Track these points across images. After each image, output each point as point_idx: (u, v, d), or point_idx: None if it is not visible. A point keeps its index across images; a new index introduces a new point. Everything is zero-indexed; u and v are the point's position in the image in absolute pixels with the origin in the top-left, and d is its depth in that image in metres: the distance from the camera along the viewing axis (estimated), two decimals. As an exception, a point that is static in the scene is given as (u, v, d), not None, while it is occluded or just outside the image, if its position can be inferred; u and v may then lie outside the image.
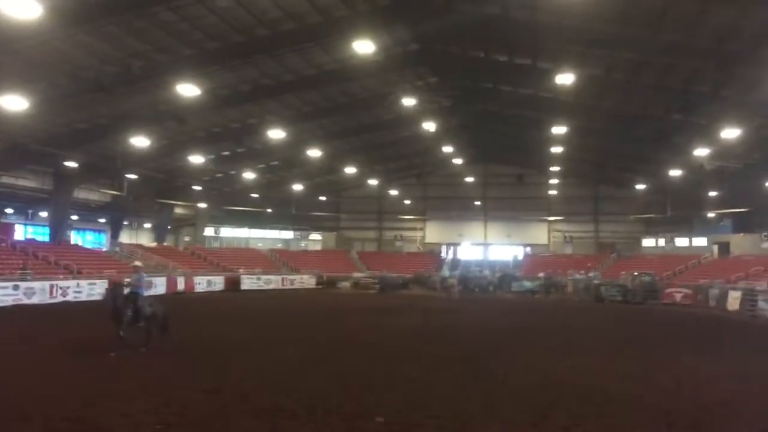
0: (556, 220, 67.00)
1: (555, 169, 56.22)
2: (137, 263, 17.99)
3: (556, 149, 46.10)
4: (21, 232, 53.55)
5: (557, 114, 37.71)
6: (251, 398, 10.97)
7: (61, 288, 34.05)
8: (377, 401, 10.82)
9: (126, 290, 16.64)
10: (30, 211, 52.07)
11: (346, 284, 53.33)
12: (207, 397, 11.07)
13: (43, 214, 51.10)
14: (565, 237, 66.88)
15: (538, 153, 51.90)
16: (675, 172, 44.42)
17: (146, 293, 17.34)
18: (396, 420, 9.58)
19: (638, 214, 60.61)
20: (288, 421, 9.47)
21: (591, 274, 51.18)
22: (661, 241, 60.53)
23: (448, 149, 51.40)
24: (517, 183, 63.59)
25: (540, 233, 67.76)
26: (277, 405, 10.47)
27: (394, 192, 65.84)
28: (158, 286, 41.35)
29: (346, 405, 10.56)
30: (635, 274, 45.37)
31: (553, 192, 63.63)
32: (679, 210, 56.17)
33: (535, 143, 48.84)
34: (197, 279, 46.17)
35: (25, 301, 31.34)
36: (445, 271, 48.31)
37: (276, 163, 53.16)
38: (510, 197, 65.29)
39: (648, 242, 62.35)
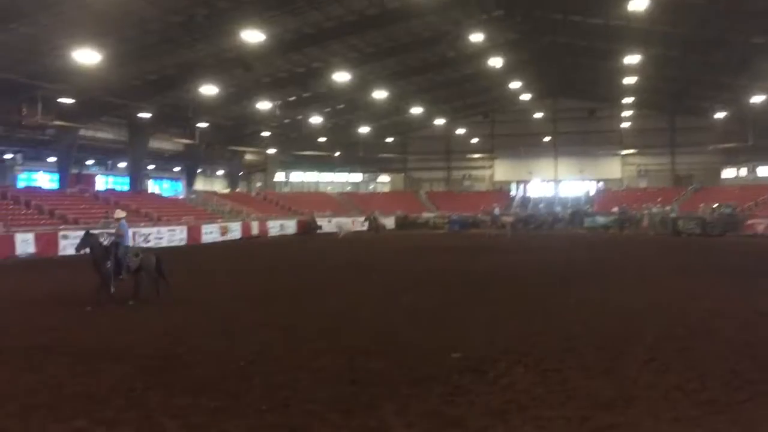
0: (629, 154, 64.98)
1: (628, 100, 54.22)
2: (120, 212, 16.65)
3: (629, 80, 44.38)
4: (102, 183, 55.73)
5: (630, 43, 36.17)
6: (327, 336, 11.29)
7: (142, 235, 35.43)
8: (452, 338, 10.96)
9: (107, 241, 15.65)
10: (109, 162, 53.90)
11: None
12: (284, 335, 11.46)
13: (122, 164, 52.84)
14: (640, 170, 64.93)
15: (610, 85, 50.16)
16: (757, 99, 42.23)
17: (129, 243, 16.19)
18: (472, 355, 9.72)
19: (717, 144, 58.04)
20: (364, 358, 9.72)
21: (667, 208, 49.75)
22: (743, 171, 58.04)
23: (515, 85, 50.26)
24: (588, 117, 61.66)
25: (613, 168, 65.96)
26: (352, 343, 10.76)
27: (461, 131, 65.06)
28: (233, 231, 42.59)
29: (421, 342, 10.75)
30: (714, 206, 43.84)
31: (626, 124, 61.59)
32: (761, 138, 53.45)
33: (607, 75, 47.17)
34: (270, 223, 47.22)
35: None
36: (496, 210, 47.72)
37: (342, 106, 53.18)
38: (581, 132, 63.55)
39: (728, 173, 59.93)
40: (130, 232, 33.57)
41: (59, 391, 8.13)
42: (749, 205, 46.28)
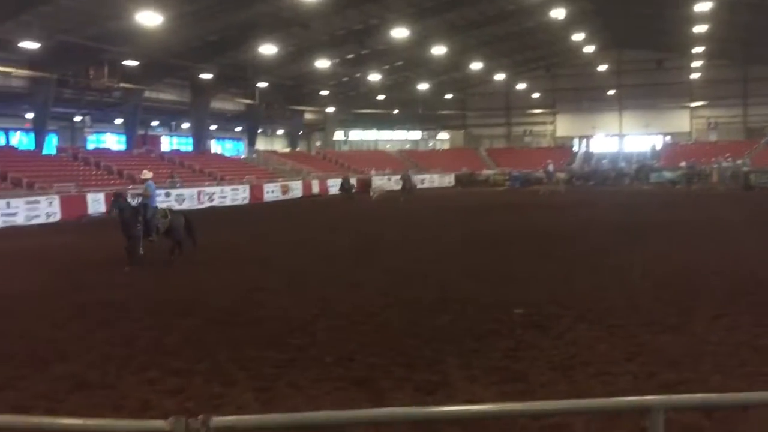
0: (699, 106, 62.50)
1: (698, 50, 51.90)
2: (146, 173, 16.43)
3: (700, 28, 42.43)
4: (166, 144, 57.08)
5: (701, -11, 34.53)
6: (390, 292, 11.40)
7: (207, 194, 36.28)
8: (515, 294, 10.92)
9: (135, 202, 15.54)
10: (173, 123, 55.07)
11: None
12: (349, 291, 11.63)
13: (185, 125, 53.95)
14: (710, 123, 62.44)
15: (678, 34, 48.07)
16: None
17: (157, 204, 15.70)
18: (535, 311, 9.66)
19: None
20: (427, 313, 9.79)
21: (739, 162, 47.91)
22: (821, 123, 55.33)
23: (578, 37, 48.70)
24: (655, 68, 59.34)
25: (681, 121, 63.66)
26: (416, 297, 10.84)
27: (521, 86, 63.67)
28: (294, 190, 43.13)
29: (484, 297, 10.75)
30: (789, 159, 42.05)
31: (695, 75, 59.07)
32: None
33: (676, 23, 45.20)
34: (330, 182, 47.60)
35: (177, 207, 33.66)
36: (550, 167, 46.50)
37: (400, 63, 52.69)
38: (647, 84, 61.32)
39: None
40: (195, 191, 34.45)
41: (133, 344, 8.47)
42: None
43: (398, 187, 43.36)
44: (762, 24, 43.98)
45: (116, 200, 15.04)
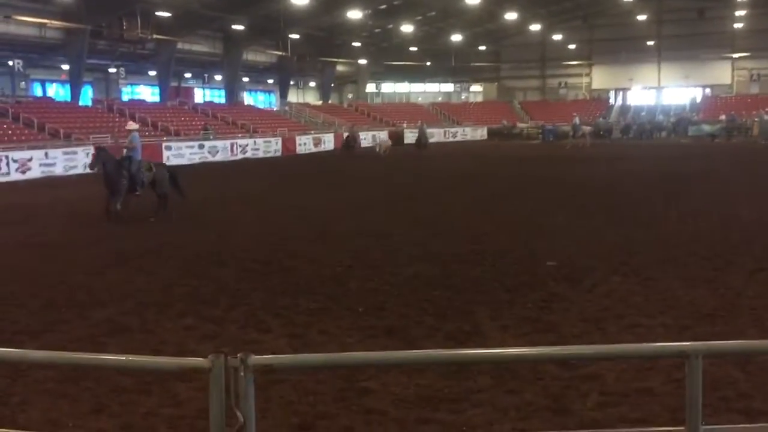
0: (741, 57, 60.38)
1: (743, -2, 50.00)
2: (132, 124, 15.88)
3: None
4: (199, 96, 57.23)
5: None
6: (420, 243, 11.42)
7: (240, 146, 36.44)
8: (547, 247, 10.87)
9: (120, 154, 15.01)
10: (205, 75, 55.02)
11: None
12: (379, 242, 11.69)
13: (218, 77, 53.94)
14: (752, 75, 60.36)
15: (722, -19, 46.35)
16: None
17: (140, 157, 15.08)
18: (567, 264, 9.62)
19: None
20: (458, 265, 9.80)
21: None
22: None
23: (618, -16, 47.27)
24: (696, 18, 57.30)
25: (722, 73, 61.69)
26: (446, 250, 10.84)
27: (557, 37, 62.13)
28: (326, 142, 43.12)
29: (516, 250, 10.73)
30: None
31: (738, 25, 56.96)
32: None
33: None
34: (362, 134, 47.36)
35: (210, 159, 33.98)
36: (577, 120, 45.25)
37: (433, 14, 51.78)
38: (688, 34, 59.26)
39: None
40: (228, 143, 34.54)
41: (170, 292, 8.64)
42: None
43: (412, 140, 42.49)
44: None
45: (99, 153, 14.67)
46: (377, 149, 36.39)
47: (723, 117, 48.04)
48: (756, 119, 45.57)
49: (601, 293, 8.19)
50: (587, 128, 43.72)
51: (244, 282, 9.05)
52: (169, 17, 37.94)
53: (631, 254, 10.17)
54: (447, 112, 61.59)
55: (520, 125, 57.44)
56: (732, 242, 10.88)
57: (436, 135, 51.37)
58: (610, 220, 13.39)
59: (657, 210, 14.55)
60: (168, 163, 30.92)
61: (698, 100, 60.30)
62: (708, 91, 61.43)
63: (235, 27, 42.21)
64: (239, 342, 6.63)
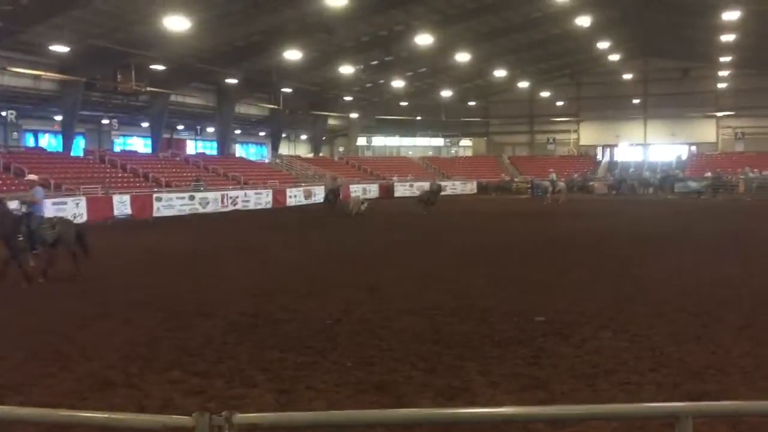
0: (725, 116, 61.62)
1: (725, 59, 51.26)
2: (31, 176, 14.47)
3: (727, 37, 41.94)
4: (192, 147, 57.59)
5: (729, -3, 34.12)
6: (410, 297, 11.40)
7: (231, 198, 36.54)
8: (535, 302, 10.86)
9: (21, 209, 13.82)
10: (198, 127, 55.52)
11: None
12: (368, 295, 11.65)
13: (210, 129, 54.41)
14: (737, 133, 61.50)
15: (705, 43, 47.59)
16: None
17: (45, 213, 13.95)
18: (557, 319, 9.60)
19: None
20: (447, 319, 9.77)
21: (766, 172, 47.22)
22: None
23: (603, 44, 48.40)
24: (681, 77, 58.71)
25: (707, 131, 62.83)
26: (435, 304, 10.82)
27: (545, 93, 63.40)
28: (317, 194, 43.32)
29: (505, 304, 10.70)
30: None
31: (722, 85, 58.33)
32: None
33: (703, 32, 44.74)
34: (352, 187, 47.67)
35: (201, 210, 34.01)
36: (553, 176, 45.68)
37: (424, 70, 52.65)
38: (673, 93, 60.59)
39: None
40: (219, 194, 34.46)
41: (156, 344, 8.55)
42: None
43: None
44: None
45: None
46: (350, 207, 31.67)
47: (709, 174, 48.73)
48: (741, 176, 46.26)
49: (591, 349, 8.17)
50: (562, 184, 44.30)
51: (232, 335, 8.97)
52: (163, 70, 38.45)
53: (619, 310, 10.18)
54: (437, 166, 62.17)
55: (507, 179, 57.99)
56: (719, 299, 10.91)
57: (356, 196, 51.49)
58: (598, 276, 13.43)
59: (644, 266, 14.61)
60: (156, 215, 31.15)
61: (684, 157, 61.21)
62: (694, 148, 62.43)
63: (228, 80, 42.77)
64: (225, 397, 6.55)
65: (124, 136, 53.10)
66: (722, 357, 7.74)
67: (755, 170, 48.12)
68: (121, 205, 30.62)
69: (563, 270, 14.23)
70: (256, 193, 38.57)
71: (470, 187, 56.10)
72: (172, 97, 43.29)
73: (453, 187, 54.47)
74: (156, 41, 32.53)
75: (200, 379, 7.13)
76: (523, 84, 59.24)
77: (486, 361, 7.68)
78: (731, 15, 34.85)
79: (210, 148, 55.69)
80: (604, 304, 10.66)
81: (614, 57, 54.14)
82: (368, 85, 54.73)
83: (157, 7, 27.99)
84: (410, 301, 11.04)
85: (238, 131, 57.59)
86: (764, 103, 59.02)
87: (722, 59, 51.18)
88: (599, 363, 7.59)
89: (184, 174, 39.68)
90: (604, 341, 8.50)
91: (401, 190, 50.68)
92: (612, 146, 65.61)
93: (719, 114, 61.58)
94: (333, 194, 34.09)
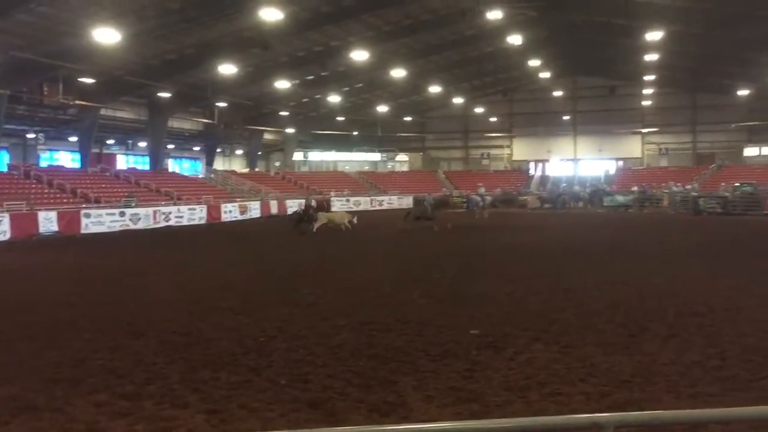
0: (650, 132, 64.12)
1: (649, 78, 53.37)
2: None
3: (651, 57, 43.69)
4: (123, 162, 56.15)
5: (651, 19, 35.55)
6: (347, 312, 11.35)
7: (163, 214, 35.74)
8: (470, 315, 10.97)
9: None
10: (129, 142, 54.15)
11: None
12: (304, 312, 11.54)
13: (142, 144, 53.20)
14: (660, 149, 64.05)
15: (630, 62, 49.46)
16: (782, 75, 41.42)
17: None
18: (490, 332, 9.73)
19: (740, 122, 57.17)
20: (383, 334, 9.76)
21: (688, 187, 49.18)
22: (765, 150, 57.28)
23: (535, 63, 49.74)
24: (608, 95, 60.83)
25: (633, 146, 65.20)
26: (372, 318, 10.81)
27: (479, 109, 64.60)
28: (253, 210, 42.83)
29: (439, 318, 10.77)
30: (736, 184, 43.36)
31: (647, 102, 60.74)
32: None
33: (628, 52, 46.46)
34: (289, 202, 47.35)
35: (132, 226, 33.13)
36: (481, 190, 46.44)
37: (360, 85, 52.96)
38: (601, 110, 62.76)
39: (750, 151, 59.16)
40: (151, 210, 33.75)
41: (82, 366, 8.26)
42: (772, 184, 45.64)
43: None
44: (708, 54, 45.55)
45: None
46: (336, 221, 30.27)
47: (635, 188, 50.43)
48: (665, 191, 48.03)
49: (524, 361, 8.30)
50: (488, 198, 45.05)
51: (162, 355, 8.73)
52: (92, 83, 37.45)
53: (551, 322, 10.38)
54: (373, 180, 62.39)
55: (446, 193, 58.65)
56: (647, 309, 11.27)
57: (362, 204, 51.86)
58: (532, 288, 13.67)
59: (576, 278, 14.97)
60: (84, 232, 30.16)
61: (612, 172, 63.24)
62: (621, 163, 64.60)
63: (161, 94, 41.96)
64: (155, 419, 6.37)
65: (51, 150, 51.30)
66: (648, 366, 7.98)
67: (678, 184, 50.02)
68: (47, 221, 29.54)
69: (498, 283, 14.44)
70: (189, 209, 37.83)
71: (407, 202, 56.41)
72: (102, 111, 42.17)
73: (390, 201, 54.71)
74: (85, 54, 31.66)
75: (128, 402, 6.91)
76: (458, 100, 60.23)
77: (421, 376, 7.71)
78: (654, 35, 36.34)
79: (142, 163, 54.40)
80: (537, 316, 10.86)
81: (545, 75, 55.63)
82: (304, 99, 54.65)
83: (86, 19, 27.31)
84: (347, 317, 11.00)
85: (171, 146, 56.48)
86: (685, 120, 61.88)
87: (646, 78, 53.25)
88: (532, 375, 7.72)
89: (115, 189, 38.63)
90: (537, 353, 8.65)
91: (338, 204, 50.58)
92: (544, 161, 67.27)
93: (644, 130, 64.08)
94: (307, 211, 31.41)
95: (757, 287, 13.27)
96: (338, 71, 46.83)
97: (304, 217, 30.58)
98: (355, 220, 30.25)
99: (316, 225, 29.35)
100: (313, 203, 33.84)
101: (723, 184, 46.31)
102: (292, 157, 67.04)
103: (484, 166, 68.77)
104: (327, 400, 6.92)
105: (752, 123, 56.30)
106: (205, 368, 8.06)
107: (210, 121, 50.72)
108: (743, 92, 50.93)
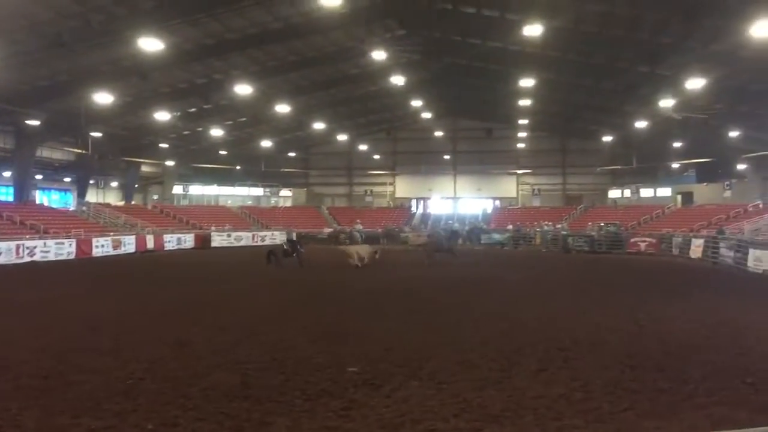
0: (524, 173, 67.45)
1: (523, 122, 56.33)
2: None
3: (525, 102, 46.17)
4: (-17, 193, 52.45)
5: (525, 67, 37.65)
6: (221, 352, 11.02)
7: (27, 248, 33.56)
8: (349, 353, 10.93)
9: None
10: (-9, 171, 50.87)
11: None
12: (176, 351, 11.10)
13: (6, 173, 49.97)
14: (534, 190, 67.45)
15: (506, 106, 52.02)
16: (641, 124, 44.80)
17: None
18: (368, 369, 9.72)
19: (605, 166, 61.32)
20: (259, 373, 9.54)
21: (559, 226, 51.84)
22: (627, 192, 61.54)
23: (417, 103, 51.25)
24: (485, 137, 63.77)
25: (509, 186, 68.22)
26: (248, 358, 10.55)
27: (363, 147, 65.62)
28: (127, 245, 41.02)
29: (318, 356, 10.66)
30: (601, 224, 46.16)
31: (521, 145, 63.96)
32: (644, 161, 57.05)
33: (504, 97, 48.86)
34: (167, 237, 45.80)
35: (-9, 262, 30.87)
36: (359, 226, 47.06)
37: (244, 119, 52.46)
38: (479, 151, 65.49)
39: (614, 193, 63.46)
40: (14, 244, 31.65)
41: (-77, 415, 7.52)
42: (633, 224, 48.94)
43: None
44: (576, 101, 48.69)
45: None
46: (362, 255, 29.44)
47: (510, 227, 52.57)
48: (538, 230, 50.38)
49: (400, 398, 8.33)
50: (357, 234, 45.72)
51: (17, 400, 8.09)
52: (-49, 107, 35.00)
53: (428, 358, 10.51)
54: (256, 215, 61.54)
55: (327, 230, 58.59)
56: (518, 344, 11.65)
57: (244, 239, 50.93)
58: (409, 325, 13.83)
59: (452, 314, 15.29)
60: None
61: (489, 210, 65.70)
62: (498, 202, 67.32)
63: (29, 122, 39.64)
64: (3, 472, 5.87)
65: None
66: (518, 400, 8.21)
67: (549, 223, 52.59)
68: None
69: (376, 319, 14.51)
70: (57, 243, 35.70)
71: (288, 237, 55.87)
72: (-38, 137, 39.38)
73: (273, 237, 54.05)
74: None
75: (-25, 454, 6.35)
76: (343, 137, 60.93)
77: (296, 416, 7.57)
78: (527, 82, 38.42)
79: (5, 194, 51.02)
80: (414, 352, 10.96)
81: (427, 115, 57.38)
82: (185, 132, 53.43)
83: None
84: (221, 356, 10.67)
85: (39, 176, 53.37)
86: (556, 162, 65.67)
87: (520, 122, 56.14)
88: (407, 412, 7.76)
89: (-27, 221, 35.97)
90: (413, 390, 8.72)
91: (218, 240, 49.44)
92: (425, 199, 68.98)
93: (519, 171, 67.28)
94: (289, 245, 30.62)
95: (620, 322, 14.06)
96: (221, 104, 46.24)
97: (289, 251, 30.24)
98: (377, 255, 30.51)
99: (353, 262, 29.02)
100: (293, 237, 34.24)
101: (590, 223, 49.18)
102: (171, 190, 65.14)
103: (367, 202, 69.61)
104: (196, 444, 6.64)
105: (615, 167, 60.50)
106: (64, 414, 7.54)
107: (83, 151, 48.42)
108: (607, 138, 54.65)
